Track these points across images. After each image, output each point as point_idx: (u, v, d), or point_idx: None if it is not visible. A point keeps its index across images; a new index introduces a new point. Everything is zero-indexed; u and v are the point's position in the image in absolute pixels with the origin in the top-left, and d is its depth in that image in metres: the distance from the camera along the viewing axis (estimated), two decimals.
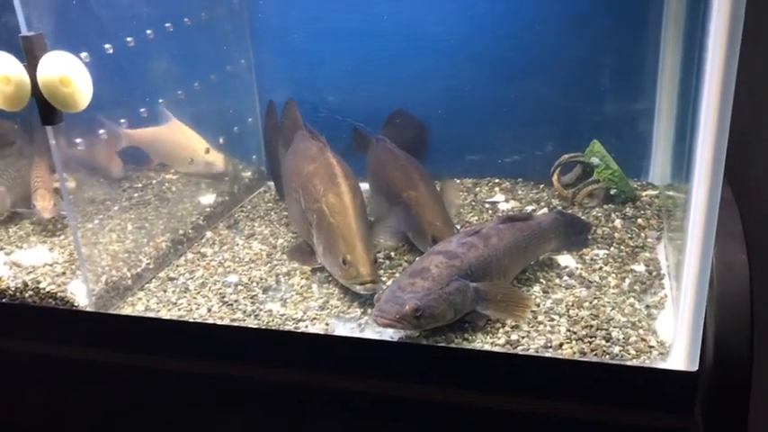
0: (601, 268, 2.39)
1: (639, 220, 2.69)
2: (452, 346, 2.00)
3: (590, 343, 1.97)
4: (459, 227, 2.77)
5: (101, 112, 2.30)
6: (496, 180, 3.16)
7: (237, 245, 2.76)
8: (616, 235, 2.60)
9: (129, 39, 2.43)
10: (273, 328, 2.16)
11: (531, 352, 1.96)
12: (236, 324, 2.20)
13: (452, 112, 3.05)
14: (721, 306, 1.79)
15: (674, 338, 1.90)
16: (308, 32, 3.10)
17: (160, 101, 2.65)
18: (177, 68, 2.69)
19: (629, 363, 1.89)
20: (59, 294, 2.38)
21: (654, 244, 2.54)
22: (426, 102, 3.04)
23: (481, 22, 2.92)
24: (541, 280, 2.35)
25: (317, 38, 3.11)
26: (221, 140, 3.04)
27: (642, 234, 2.61)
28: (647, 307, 2.16)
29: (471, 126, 3.07)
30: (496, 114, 3.02)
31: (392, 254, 2.63)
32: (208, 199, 2.97)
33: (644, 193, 2.91)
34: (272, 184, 3.27)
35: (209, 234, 2.87)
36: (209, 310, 2.30)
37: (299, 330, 2.15)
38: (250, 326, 2.18)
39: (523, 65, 2.93)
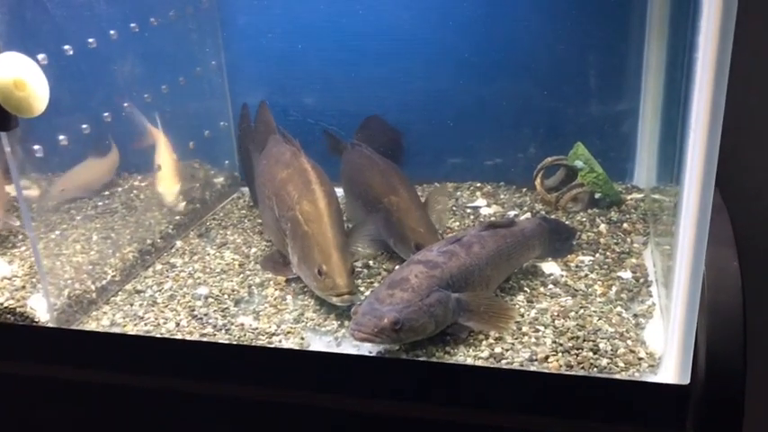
0: (587, 275, 2.33)
1: (625, 225, 2.64)
2: (433, 360, 1.93)
3: (577, 355, 1.90)
4: (441, 233, 2.69)
5: (59, 118, 2.18)
6: (478, 184, 3.10)
7: (209, 254, 2.67)
8: (602, 240, 2.54)
9: (90, 40, 2.33)
10: (245, 343, 2.08)
11: (516, 366, 1.89)
12: (205, 340, 2.12)
13: (432, 114, 2.99)
14: (713, 316, 1.73)
15: (664, 350, 1.83)
16: (283, 32, 3.02)
17: (125, 104, 2.54)
18: (143, 70, 2.59)
19: (617, 376, 1.83)
20: (18, 310, 2.27)
21: (640, 249, 2.49)
22: (405, 104, 2.98)
23: (462, 22, 2.86)
24: (525, 289, 2.28)
25: (292, 38, 3.02)
26: (191, 145, 2.93)
27: (628, 239, 2.55)
28: (635, 316, 2.10)
29: (452, 128, 3.00)
30: (478, 116, 2.96)
31: (371, 262, 2.55)
32: (178, 207, 2.85)
33: (629, 197, 2.86)
34: (246, 189, 3.17)
35: (179, 243, 2.78)
36: (178, 325, 2.20)
37: (272, 346, 2.06)
38: (220, 341, 2.09)
39: (505, 65, 2.87)
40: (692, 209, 1.56)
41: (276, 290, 2.38)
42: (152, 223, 2.73)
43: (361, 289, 2.35)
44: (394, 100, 2.97)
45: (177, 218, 2.83)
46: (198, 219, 2.96)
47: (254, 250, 2.68)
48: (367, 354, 1.95)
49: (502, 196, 2.98)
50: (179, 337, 2.14)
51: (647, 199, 2.82)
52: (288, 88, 3.05)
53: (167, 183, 2.70)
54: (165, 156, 2.70)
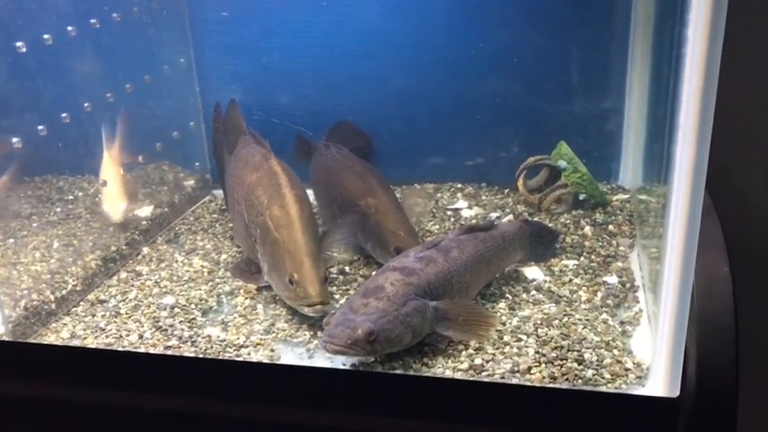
0: (571, 281, 2.26)
1: (610, 227, 2.56)
2: (410, 373, 1.84)
3: (560, 366, 1.82)
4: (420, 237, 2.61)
5: (12, 117, 2.06)
6: (459, 185, 3.02)
7: (177, 261, 2.56)
8: (586, 243, 2.47)
9: (46, 36, 2.21)
10: (211, 356, 1.98)
11: (497, 377, 1.80)
12: (169, 353, 2.02)
13: (410, 113, 2.92)
14: (703, 324, 1.65)
15: (652, 360, 1.75)
16: (255, 29, 2.93)
17: (85, 104, 2.42)
18: (105, 69, 2.47)
19: (603, 389, 1.74)
20: None
21: (626, 252, 2.42)
22: (381, 102, 2.90)
23: (441, 18, 2.78)
24: (507, 295, 2.20)
25: (265, 34, 2.93)
26: (158, 146, 2.83)
27: (614, 242, 2.48)
28: (622, 323, 2.02)
29: (431, 128, 2.94)
30: (458, 114, 2.89)
31: (347, 268, 2.46)
32: (144, 211, 2.76)
33: (614, 198, 2.79)
34: (218, 192, 3.06)
35: (145, 250, 2.67)
36: (141, 337, 2.10)
37: (240, 359, 1.97)
38: (186, 354, 2.00)
39: (485, 62, 2.79)
40: (681, 211, 1.48)
41: (246, 298, 2.29)
42: (117, 229, 2.61)
43: (336, 296, 2.26)
44: (370, 98, 2.89)
45: (144, 223, 2.72)
46: (167, 224, 2.86)
47: (224, 257, 2.58)
48: (340, 367, 1.88)
49: (483, 197, 2.91)
50: (142, 350, 2.04)
51: (632, 200, 2.75)
52: (261, 87, 2.96)
53: (112, 200, 2.56)
54: (110, 171, 2.56)
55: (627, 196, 2.79)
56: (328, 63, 2.89)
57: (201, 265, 2.51)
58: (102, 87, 2.50)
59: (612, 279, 2.25)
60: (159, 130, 2.85)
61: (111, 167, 2.55)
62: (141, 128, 2.70)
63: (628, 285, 2.21)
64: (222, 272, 2.46)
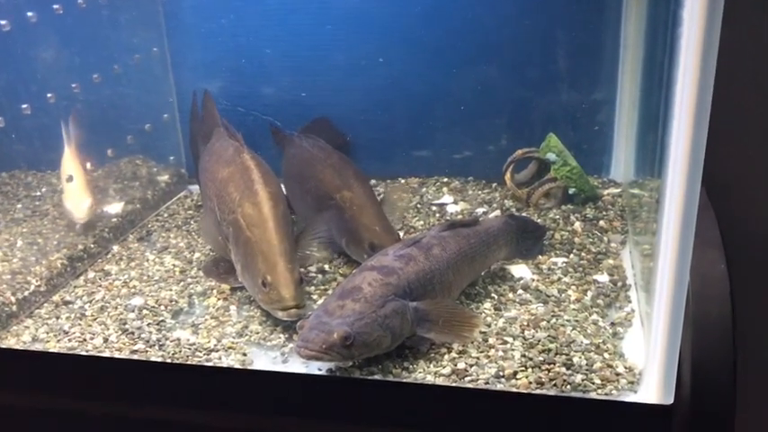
0: (560, 279, 2.17)
1: (601, 223, 2.47)
2: (390, 379, 1.75)
3: (548, 371, 1.73)
4: (402, 233, 2.52)
5: None
6: (445, 179, 2.93)
7: (148, 260, 2.46)
8: (576, 240, 2.38)
9: (3, 22, 2.09)
10: (179, 361, 1.89)
11: (481, 383, 1.71)
12: (135, 357, 1.92)
13: (393, 104, 2.82)
14: (699, 327, 1.56)
15: (645, 364, 1.66)
16: (232, 16, 2.82)
17: (49, 95, 2.30)
18: (69, 58, 2.36)
19: (593, 395, 1.65)
20: None
21: (618, 249, 2.33)
22: (364, 93, 2.81)
23: (425, 6, 2.68)
24: (493, 295, 2.11)
25: (243, 22, 2.82)
26: (129, 139, 2.71)
27: (605, 238, 2.40)
28: (613, 324, 1.94)
29: (415, 119, 2.84)
30: (443, 106, 2.80)
31: (326, 267, 2.36)
32: (115, 208, 2.65)
33: (605, 192, 2.70)
34: (194, 188, 2.96)
35: (115, 248, 2.56)
36: (106, 341, 2.00)
37: (210, 364, 1.87)
38: (152, 359, 1.91)
39: (471, 51, 2.70)
40: (675, 206, 1.39)
41: (219, 299, 2.19)
42: (82, 228, 2.50)
43: (314, 297, 2.17)
44: (350, 88, 2.79)
45: (114, 220, 2.61)
46: (139, 220, 2.75)
47: (197, 255, 2.47)
48: (316, 372, 1.80)
49: (470, 192, 2.82)
50: (106, 354, 1.94)
51: (624, 194, 2.66)
52: (239, 77, 2.85)
53: (76, 197, 2.42)
54: (72, 166, 2.44)
55: (618, 190, 2.70)
56: (308, 52, 2.79)
57: (173, 265, 2.42)
58: (66, 77, 2.38)
59: (603, 277, 2.17)
60: (130, 123, 2.74)
61: (73, 162, 2.43)
62: (110, 120, 2.58)
63: (619, 284, 2.13)
64: (195, 271, 2.36)
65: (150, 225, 2.74)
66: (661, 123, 1.46)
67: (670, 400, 1.55)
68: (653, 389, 1.57)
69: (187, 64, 2.90)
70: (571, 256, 2.29)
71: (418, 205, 2.73)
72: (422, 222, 2.60)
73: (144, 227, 2.73)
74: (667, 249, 1.43)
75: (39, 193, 2.64)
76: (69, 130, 2.41)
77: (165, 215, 2.83)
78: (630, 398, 1.63)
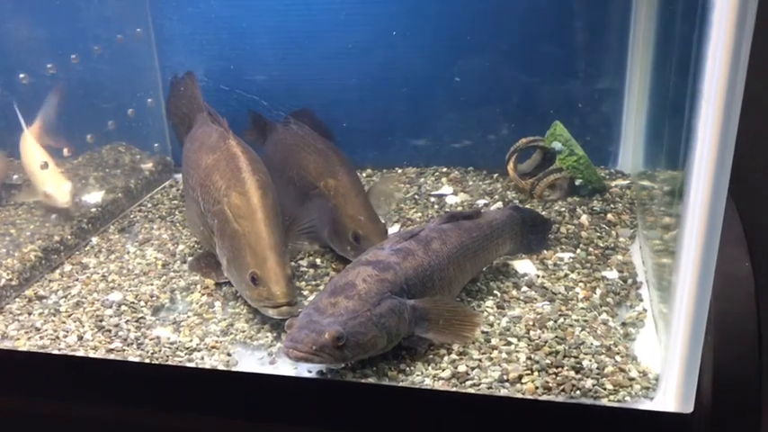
0: (566, 276, 2.07)
1: (609, 216, 2.38)
2: (385, 382, 1.66)
3: (556, 375, 1.64)
4: (398, 226, 2.42)
5: None
6: (444, 169, 2.85)
7: (128, 253, 2.37)
8: (583, 234, 2.29)
9: None
10: (158, 361, 1.79)
11: (484, 388, 1.62)
12: (111, 357, 1.82)
13: (392, 91, 2.74)
14: (721, 329, 1.47)
15: (662, 369, 1.56)
16: None
17: (21, 75, 2.17)
18: (44, 37, 2.22)
19: (605, 402, 1.56)
20: None
21: (627, 244, 2.24)
22: (360, 78, 2.72)
23: None
24: (495, 292, 2.01)
25: (234, 2, 2.72)
26: (110, 125, 2.60)
27: (613, 232, 2.30)
28: (624, 325, 1.85)
29: (414, 107, 2.77)
30: (443, 92, 2.73)
31: (318, 260, 2.26)
32: (94, 197, 2.54)
33: (613, 184, 2.61)
34: (180, 176, 2.83)
35: (94, 240, 2.46)
36: (81, 339, 1.91)
37: (191, 365, 1.77)
38: (130, 359, 1.81)
39: (473, 36, 2.62)
40: (701, 199, 1.28)
41: (203, 295, 2.10)
42: (63, 215, 2.39)
43: (305, 293, 2.08)
44: (345, 73, 2.71)
45: (93, 210, 2.49)
46: (120, 211, 2.65)
47: (181, 248, 2.37)
48: (305, 375, 1.71)
49: (470, 183, 2.73)
50: (81, 353, 1.85)
51: (633, 186, 2.57)
52: (226, 57, 2.74)
53: (55, 181, 2.30)
54: (40, 151, 2.31)
55: (627, 182, 2.61)
56: (301, 35, 2.70)
57: (156, 257, 2.32)
58: (40, 58, 2.25)
59: (612, 274, 2.07)
60: (112, 107, 2.63)
61: (38, 147, 2.32)
62: (90, 104, 2.47)
63: (629, 281, 2.04)
64: (178, 265, 2.28)
65: (132, 215, 2.65)
66: (687, 112, 1.34)
67: (689, 409, 1.47)
68: (671, 396, 1.49)
69: (173, 46, 2.80)
70: (578, 251, 2.20)
71: (416, 196, 2.65)
72: (419, 214, 2.52)
73: (126, 217, 2.64)
74: (691, 245, 1.33)
75: (11, 181, 2.51)
76: (43, 112, 2.28)
77: (149, 205, 2.74)
78: (646, 405, 1.53)
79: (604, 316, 1.86)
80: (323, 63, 2.69)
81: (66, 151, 2.40)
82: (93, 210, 2.51)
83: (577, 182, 2.49)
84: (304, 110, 2.55)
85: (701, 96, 1.20)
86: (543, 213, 2.36)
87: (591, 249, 2.19)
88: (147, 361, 1.78)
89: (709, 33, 1.17)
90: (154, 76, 2.79)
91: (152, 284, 2.14)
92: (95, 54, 2.51)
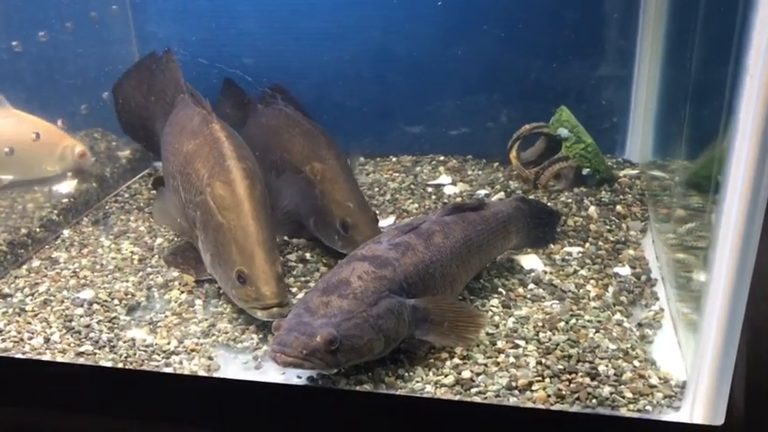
0: (576, 272, 1.99)
1: (619, 208, 2.31)
2: (381, 390, 1.56)
3: (569, 382, 1.54)
4: (393, 218, 2.34)
5: None
6: (441, 157, 2.78)
7: (102, 247, 2.26)
8: (592, 227, 2.20)
9: None
10: (132, 366, 1.68)
11: (490, 396, 1.52)
12: (80, 361, 1.71)
13: (386, 75, 2.67)
14: (755, 333, 1.34)
15: (689, 376, 1.46)
16: None
17: None
18: (8, 13, 2.07)
19: (623, 412, 1.45)
20: None
21: (638, 238, 2.17)
22: (352, 61, 2.63)
23: None
24: (500, 289, 1.92)
25: None
26: (83, 109, 2.49)
27: (623, 225, 2.23)
28: (640, 326, 1.76)
29: (410, 90, 2.70)
30: (441, 76, 2.65)
31: (307, 255, 2.15)
32: (66, 186, 2.44)
33: (621, 173, 2.54)
34: (160, 165, 2.70)
35: (66, 233, 2.36)
36: (48, 341, 1.80)
37: (169, 370, 1.66)
38: (101, 363, 1.70)
39: (472, 16, 2.54)
40: (742, 187, 1.17)
41: (183, 292, 2.00)
42: (30, 208, 2.30)
43: (294, 290, 1.97)
44: (336, 54, 2.62)
45: (65, 201, 2.38)
46: (95, 201, 2.55)
47: (159, 241, 2.27)
48: (295, 381, 1.60)
49: (470, 172, 2.66)
50: (47, 356, 1.74)
51: (643, 176, 2.50)
52: (213, 39, 2.64)
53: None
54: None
55: (636, 171, 2.54)
56: (290, 14, 2.60)
57: (132, 252, 2.23)
58: (4, 35, 2.11)
59: (625, 270, 1.99)
60: (85, 90, 2.50)
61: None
62: (60, 86, 2.36)
63: (643, 278, 1.95)
64: (156, 260, 2.18)
65: (108, 206, 2.55)
66: (728, 91, 1.21)
67: (720, 421, 1.37)
68: (700, 406, 1.39)
69: (151, 23, 2.69)
70: (587, 245, 2.12)
71: (411, 186, 2.57)
72: (416, 206, 2.43)
73: (101, 208, 2.53)
74: (727, 240, 1.22)
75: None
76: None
77: (126, 195, 2.64)
78: (670, 416, 1.44)
79: (618, 316, 1.77)
80: (313, 38, 2.59)
81: (59, 123, 2.35)
82: (65, 200, 2.40)
83: (585, 171, 2.41)
84: (276, 86, 2.41)
85: (746, 72, 1.07)
86: (550, 205, 2.26)
87: (601, 243, 2.11)
88: (120, 365, 1.69)
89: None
90: (130, 56, 2.65)
91: (127, 281, 2.03)
92: (67, 32, 2.38)
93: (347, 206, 2.01)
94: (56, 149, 2.37)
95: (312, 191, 2.04)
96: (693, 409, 1.38)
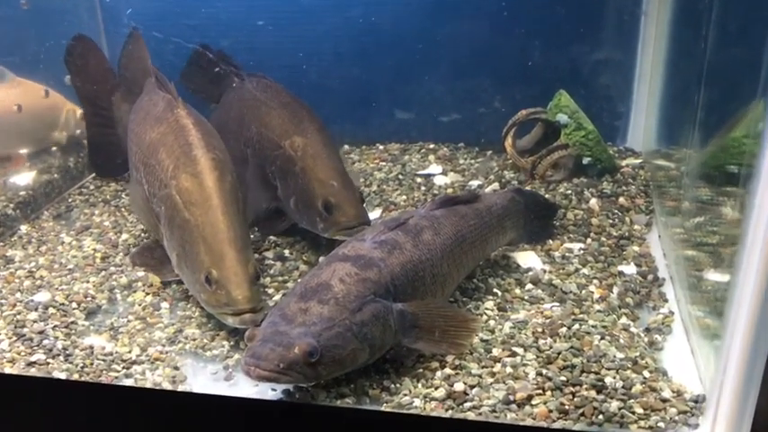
0: (577, 271, 1.90)
1: (621, 200, 2.23)
2: (365, 406, 1.47)
3: (573, 395, 1.44)
4: (380, 211, 2.24)
5: None
6: (431, 145, 2.70)
7: (63, 244, 2.17)
8: (593, 221, 2.12)
9: None
10: (89, 378, 1.58)
11: (486, 411, 1.41)
12: (31, 373, 1.61)
13: (371, 56, 2.58)
14: None
15: (710, 390, 1.37)
16: None
17: None
18: None
19: (634, 430, 1.35)
20: None
21: (643, 232, 2.08)
22: (336, 42, 2.55)
23: None
24: (495, 290, 1.83)
25: None
26: (45, 94, 2.37)
27: (627, 219, 2.15)
28: (648, 331, 1.67)
29: (397, 75, 2.61)
30: (430, 59, 2.57)
31: (286, 252, 2.04)
32: (24, 178, 2.33)
33: (623, 163, 2.45)
34: None
35: (23, 229, 2.26)
36: None
37: (130, 382, 1.56)
38: (55, 374, 1.61)
39: None
40: None
41: (148, 294, 1.91)
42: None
43: (270, 291, 1.88)
44: (319, 35, 2.53)
45: (23, 193, 2.29)
46: (57, 194, 2.45)
47: (125, 237, 2.18)
48: (270, 396, 1.52)
49: (462, 161, 2.59)
50: None
51: (647, 166, 2.42)
52: (189, 16, 2.53)
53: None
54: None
55: (639, 161, 2.46)
56: None
57: (94, 249, 2.14)
58: None
59: (630, 269, 1.90)
60: (45, 73, 2.40)
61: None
62: (18, 67, 2.25)
63: (650, 277, 1.86)
64: (120, 258, 2.10)
65: (71, 199, 2.47)
66: (763, 76, 1.09)
67: None
68: (722, 424, 1.28)
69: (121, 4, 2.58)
70: (588, 240, 2.04)
71: (399, 176, 2.49)
72: (404, 197, 2.35)
73: (63, 201, 2.45)
74: (758, 236, 1.11)
75: None
76: None
77: (91, 187, 2.55)
78: None
79: (624, 320, 1.68)
80: (291, 16, 2.49)
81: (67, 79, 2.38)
82: (23, 193, 2.30)
83: (585, 160, 2.32)
84: (206, 46, 2.28)
85: None
86: (548, 197, 2.18)
87: (603, 239, 2.02)
88: (76, 377, 1.61)
89: None
90: (97, 35, 2.53)
91: (88, 282, 1.95)
92: (24, 9, 2.28)
93: (331, 185, 1.89)
94: (61, 113, 2.39)
95: (292, 168, 1.91)
96: (715, 427, 1.27)
